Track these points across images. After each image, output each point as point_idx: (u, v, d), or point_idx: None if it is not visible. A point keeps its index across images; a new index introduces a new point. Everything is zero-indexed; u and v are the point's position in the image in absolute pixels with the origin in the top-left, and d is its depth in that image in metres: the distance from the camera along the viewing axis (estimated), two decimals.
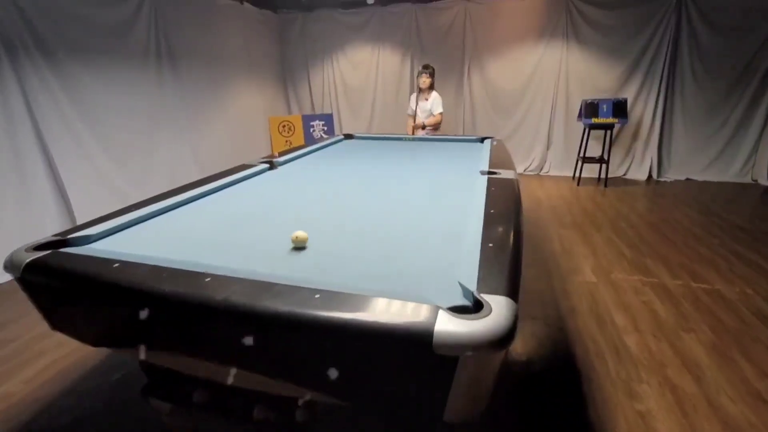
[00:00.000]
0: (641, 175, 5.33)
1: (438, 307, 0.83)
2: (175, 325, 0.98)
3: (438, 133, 3.99)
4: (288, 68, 6.52)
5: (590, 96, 5.12)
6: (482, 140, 3.38)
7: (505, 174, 2.04)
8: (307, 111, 6.76)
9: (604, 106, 4.78)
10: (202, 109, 4.82)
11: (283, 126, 6.40)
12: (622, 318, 2.30)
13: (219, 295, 0.90)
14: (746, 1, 4.57)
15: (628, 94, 5.15)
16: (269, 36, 6.17)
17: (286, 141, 6.45)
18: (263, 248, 1.20)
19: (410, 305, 0.83)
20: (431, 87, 3.91)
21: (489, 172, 2.09)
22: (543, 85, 5.47)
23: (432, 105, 3.91)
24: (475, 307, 0.87)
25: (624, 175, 5.46)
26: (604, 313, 2.35)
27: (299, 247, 1.18)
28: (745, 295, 2.53)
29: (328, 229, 1.34)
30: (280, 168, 2.47)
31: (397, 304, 0.83)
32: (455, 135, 3.78)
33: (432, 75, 3.86)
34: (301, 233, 1.18)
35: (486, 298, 0.88)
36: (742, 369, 1.90)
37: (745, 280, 2.71)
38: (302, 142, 6.47)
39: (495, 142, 3.05)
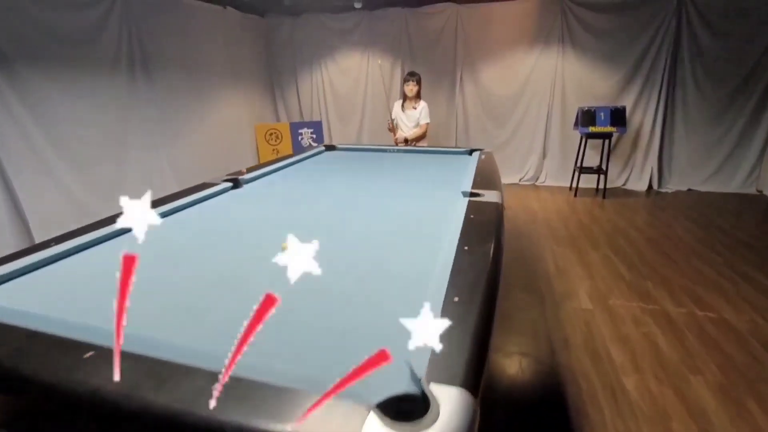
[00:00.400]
0: (641, 186, 5.12)
1: (369, 407, 0.61)
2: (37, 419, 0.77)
3: (425, 143, 3.77)
4: (276, 75, 6.33)
5: (587, 103, 4.92)
6: (471, 152, 3.17)
7: (488, 196, 1.83)
8: (296, 118, 6.56)
9: (602, 114, 4.57)
10: (181, 119, 4.61)
11: (270, 134, 6.21)
12: (620, 353, 2.07)
13: (89, 384, 0.68)
14: (749, 6, 4.38)
15: (627, 101, 4.95)
16: (256, 41, 5.98)
17: (273, 149, 6.25)
18: (180, 302, 0.98)
19: (326, 404, 0.60)
20: (418, 95, 3.71)
21: (471, 194, 1.87)
22: (538, 91, 5.27)
23: (421, 114, 3.70)
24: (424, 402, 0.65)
25: (623, 185, 5.25)
26: (600, 347, 2.12)
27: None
28: (754, 324, 2.31)
29: (263, 276, 1.12)
30: (246, 187, 2.25)
31: (306, 399, 0.61)
32: (443, 146, 3.57)
33: (419, 83, 3.65)
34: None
35: (435, 391, 0.66)
36: (754, 418, 1.68)
37: (753, 307, 2.48)
38: (290, 151, 6.27)
39: (483, 156, 2.84)
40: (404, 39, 5.53)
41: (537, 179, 5.54)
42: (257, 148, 6.16)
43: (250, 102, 6.02)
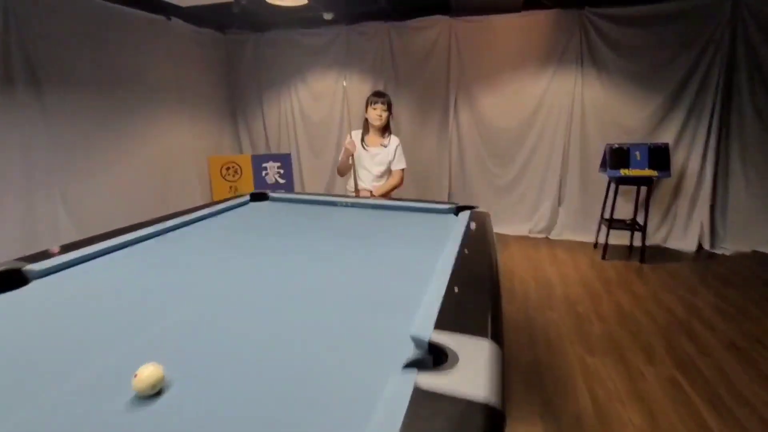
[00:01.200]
0: (688, 245, 3.94)
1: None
2: None
3: (397, 192, 2.68)
4: (239, 99, 5.38)
5: (615, 139, 3.84)
6: (457, 211, 2.06)
7: (469, 344, 0.70)
8: (262, 150, 5.56)
9: (638, 154, 3.48)
10: (90, 148, 3.59)
11: (227, 168, 5.18)
12: None
13: None
14: None
15: (667, 136, 3.86)
16: (214, 61, 5.06)
17: (231, 187, 5.21)
18: None
19: None
20: (387, 126, 2.65)
21: (431, 349, 0.74)
22: (551, 123, 4.21)
23: (394, 156, 2.60)
24: None
25: (663, 243, 4.07)
26: None
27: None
28: None
29: None
30: (36, 285, 1.17)
31: None
32: (415, 201, 2.38)
33: (389, 108, 2.58)
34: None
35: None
36: None
37: None
38: (251, 188, 5.22)
39: (474, 226, 1.71)
40: (387, 58, 4.57)
41: (550, 231, 4.40)
42: (210, 184, 5.13)
43: (205, 130, 5.04)
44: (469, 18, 4.19)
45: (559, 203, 4.35)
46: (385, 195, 2.59)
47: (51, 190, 3.30)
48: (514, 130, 4.33)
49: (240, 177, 5.18)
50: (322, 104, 4.98)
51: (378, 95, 2.55)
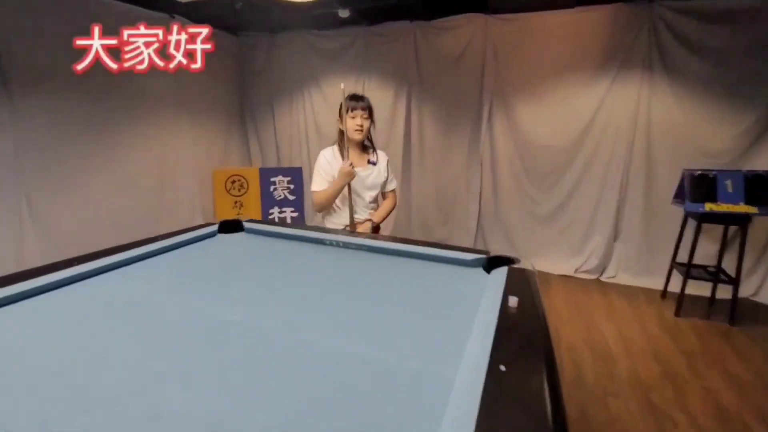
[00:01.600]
0: None
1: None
2: None
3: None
4: (249, 106, 4.94)
5: (693, 163, 3.05)
6: (488, 266, 1.41)
7: None
8: (272, 163, 5.08)
9: (729, 183, 2.68)
10: (68, 160, 3.17)
11: (233, 182, 4.71)
12: None
13: None
14: None
15: (762, 162, 3.02)
16: (225, 65, 4.65)
17: (236, 202, 4.73)
18: None
19: None
20: (370, 139, 2.05)
21: None
22: (607, 141, 3.46)
23: (388, 174, 2.06)
24: None
25: (755, 296, 3.19)
26: None
27: None
28: None
29: None
30: None
31: None
32: (433, 244, 1.64)
33: (371, 115, 1.98)
34: None
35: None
36: None
37: None
38: (258, 205, 4.73)
39: (514, 304, 1.03)
40: (411, 62, 3.98)
41: (603, 272, 3.60)
42: (214, 200, 4.67)
43: (211, 140, 4.60)
44: (508, 16, 3.54)
45: (615, 238, 3.56)
46: (382, 219, 2.05)
47: (15, 203, 2.88)
48: (561, 148, 3.60)
49: (246, 192, 4.70)
50: (337, 114, 4.43)
51: (356, 99, 1.93)
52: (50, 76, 2.96)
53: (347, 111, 1.90)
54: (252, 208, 4.70)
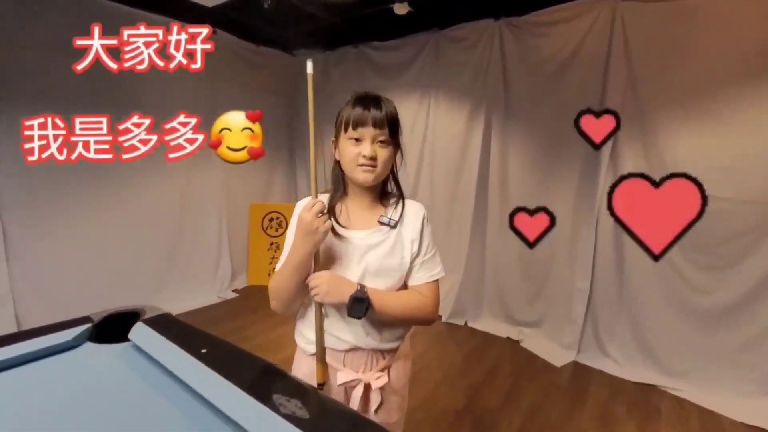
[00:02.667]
0: None
1: None
2: None
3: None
4: (298, 132, 4.28)
5: None
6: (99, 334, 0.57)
7: None
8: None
9: None
10: (65, 189, 2.68)
11: (271, 219, 4.03)
12: None
13: None
14: None
15: None
16: (277, 86, 4.08)
17: (272, 244, 4.01)
18: None
19: None
20: (396, 180, 1.01)
21: None
22: None
23: (422, 245, 0.96)
24: None
25: None
26: None
27: None
28: None
29: None
30: None
31: None
32: None
33: (395, 135, 0.94)
34: None
35: None
36: None
37: None
38: None
39: None
40: (495, 73, 2.87)
41: None
42: (248, 239, 4.00)
43: (251, 169, 3.97)
44: None
45: None
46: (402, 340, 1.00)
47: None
48: (747, 201, 2.11)
49: (284, 232, 3.93)
50: None
51: (364, 104, 0.92)
52: (52, 95, 2.50)
53: (345, 128, 0.91)
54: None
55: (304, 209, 0.85)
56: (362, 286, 0.87)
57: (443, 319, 3.12)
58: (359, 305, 0.84)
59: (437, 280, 0.97)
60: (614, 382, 2.35)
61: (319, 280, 0.86)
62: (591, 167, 2.55)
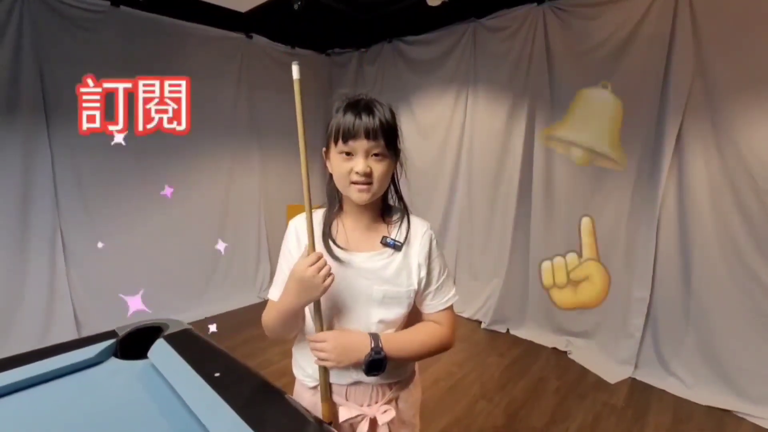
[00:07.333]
0: None
1: None
2: None
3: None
4: None
5: None
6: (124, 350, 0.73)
7: None
8: None
9: None
10: (114, 194, 2.82)
11: None
12: None
13: None
14: None
15: None
16: (312, 87, 4.07)
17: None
18: None
19: None
20: (398, 195, 0.88)
21: None
22: None
23: (430, 267, 0.84)
24: None
25: None
26: None
27: None
28: None
29: None
30: None
31: None
32: None
33: (394, 145, 0.80)
34: None
35: None
36: None
37: None
38: None
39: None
40: (539, 64, 2.66)
41: None
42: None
43: (288, 173, 4.00)
44: None
45: None
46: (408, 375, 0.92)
47: (49, 245, 2.58)
48: None
49: None
50: (432, 141, 3.35)
51: (356, 110, 0.78)
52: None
53: (334, 141, 0.80)
54: None
55: (304, 263, 0.73)
56: (375, 341, 0.77)
57: (483, 326, 2.96)
58: (377, 365, 0.77)
59: (449, 307, 0.89)
60: (680, 405, 2.09)
61: (324, 347, 0.77)
62: (650, 162, 2.28)
